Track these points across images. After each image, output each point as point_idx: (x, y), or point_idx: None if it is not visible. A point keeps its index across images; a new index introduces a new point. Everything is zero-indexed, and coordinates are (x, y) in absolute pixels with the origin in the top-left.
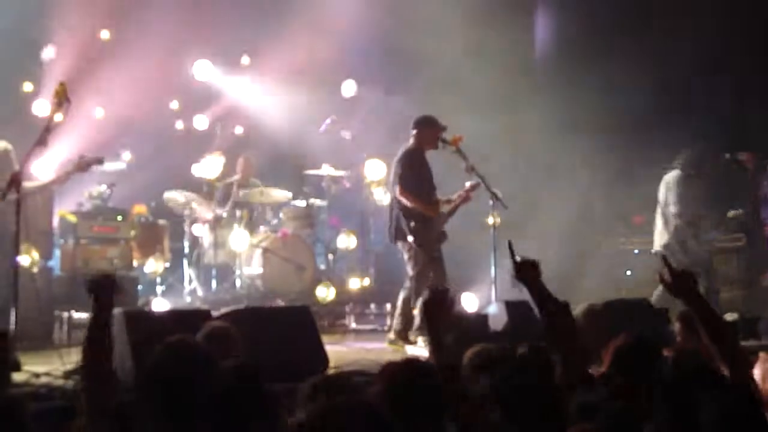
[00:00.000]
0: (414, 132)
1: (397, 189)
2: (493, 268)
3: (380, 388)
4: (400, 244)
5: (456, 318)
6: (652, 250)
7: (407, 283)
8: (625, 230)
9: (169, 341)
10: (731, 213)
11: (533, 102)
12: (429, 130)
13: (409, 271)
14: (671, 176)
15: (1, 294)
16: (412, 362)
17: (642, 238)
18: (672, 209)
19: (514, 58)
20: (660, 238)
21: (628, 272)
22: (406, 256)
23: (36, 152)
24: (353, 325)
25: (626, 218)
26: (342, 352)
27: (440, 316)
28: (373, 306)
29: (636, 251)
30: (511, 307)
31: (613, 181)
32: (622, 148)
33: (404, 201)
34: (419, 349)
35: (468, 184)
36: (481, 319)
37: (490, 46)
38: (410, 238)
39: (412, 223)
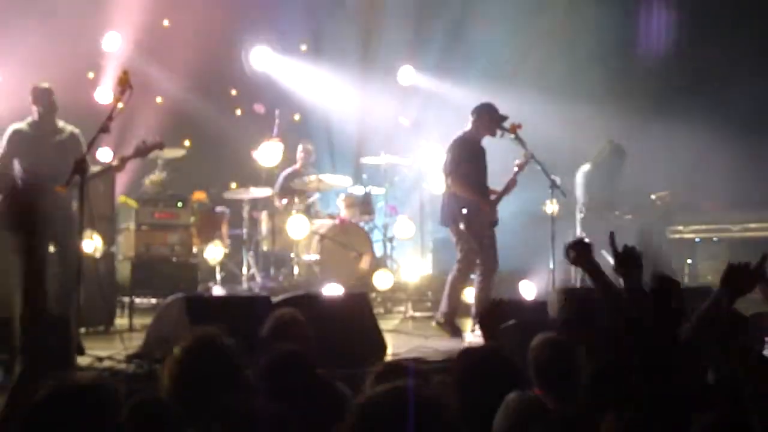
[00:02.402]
0: (472, 119)
1: (452, 179)
2: (551, 256)
3: (455, 372)
4: (450, 227)
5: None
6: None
7: (456, 266)
8: (685, 218)
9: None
10: (654, 195)
11: (599, 91)
12: (487, 117)
13: (457, 254)
14: (581, 169)
15: (66, 279)
16: (490, 350)
17: (704, 225)
18: (578, 201)
19: (583, 48)
20: (579, 226)
21: (689, 261)
22: (454, 239)
23: (99, 139)
24: (410, 312)
25: (690, 205)
26: (400, 338)
27: (497, 325)
28: (430, 293)
29: (697, 239)
30: (570, 295)
31: (678, 170)
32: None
33: (458, 190)
34: (478, 337)
35: (516, 162)
36: (541, 306)
37: (558, 34)
38: (461, 225)
39: (464, 210)
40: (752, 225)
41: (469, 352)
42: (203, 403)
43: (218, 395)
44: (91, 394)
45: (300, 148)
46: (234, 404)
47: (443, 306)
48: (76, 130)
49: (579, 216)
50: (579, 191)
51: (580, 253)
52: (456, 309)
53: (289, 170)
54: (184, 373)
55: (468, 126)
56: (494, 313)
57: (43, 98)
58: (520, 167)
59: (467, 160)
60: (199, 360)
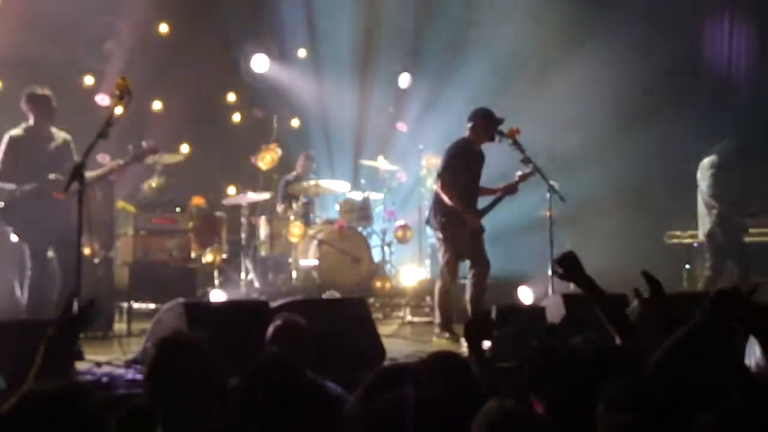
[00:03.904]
0: (469, 124)
1: (440, 181)
2: (550, 261)
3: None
4: (434, 232)
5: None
6: (701, 237)
7: (439, 276)
8: (683, 223)
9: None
10: None
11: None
12: (485, 122)
13: (440, 259)
14: (706, 162)
15: (65, 285)
16: (445, 354)
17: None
18: (707, 196)
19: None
20: (702, 224)
21: (687, 266)
22: (437, 245)
23: (97, 144)
24: (409, 318)
25: (687, 211)
26: (398, 344)
27: (482, 337)
28: (428, 298)
29: (695, 244)
30: (569, 300)
31: (675, 174)
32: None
33: (443, 196)
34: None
35: (518, 173)
36: (539, 311)
37: (561, 36)
38: (438, 234)
39: (443, 219)
40: (750, 230)
41: (437, 355)
42: (176, 403)
43: (189, 399)
44: (61, 402)
45: (301, 157)
46: (210, 414)
47: (436, 318)
48: (68, 137)
49: (708, 211)
50: (703, 184)
51: (568, 268)
52: (449, 317)
53: (289, 177)
54: (154, 369)
55: (467, 132)
56: (479, 325)
57: (41, 104)
58: (522, 178)
59: (458, 165)
60: (169, 359)
